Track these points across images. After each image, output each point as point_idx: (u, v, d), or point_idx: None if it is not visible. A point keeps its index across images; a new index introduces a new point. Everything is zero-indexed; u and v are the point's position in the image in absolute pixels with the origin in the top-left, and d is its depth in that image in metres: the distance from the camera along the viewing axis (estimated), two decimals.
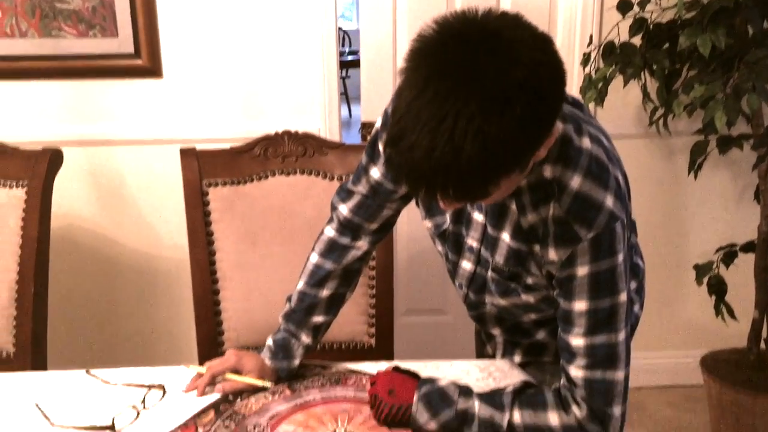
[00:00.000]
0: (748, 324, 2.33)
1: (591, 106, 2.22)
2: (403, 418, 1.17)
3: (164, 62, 2.35)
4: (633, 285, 1.32)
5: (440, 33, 0.91)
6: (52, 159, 1.80)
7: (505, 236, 1.17)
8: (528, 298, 1.21)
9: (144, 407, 1.25)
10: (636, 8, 2.11)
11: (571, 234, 1.06)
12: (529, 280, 1.18)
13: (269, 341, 1.36)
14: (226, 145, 1.82)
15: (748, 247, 2.29)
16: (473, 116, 0.86)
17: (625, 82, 2.13)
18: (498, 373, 1.36)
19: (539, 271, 1.15)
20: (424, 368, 1.27)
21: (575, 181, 1.05)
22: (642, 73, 2.13)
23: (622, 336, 1.09)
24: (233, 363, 1.32)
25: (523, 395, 1.15)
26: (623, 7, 2.12)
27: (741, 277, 2.34)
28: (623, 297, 1.08)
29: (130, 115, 2.39)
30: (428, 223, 1.33)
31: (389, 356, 1.80)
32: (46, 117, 2.37)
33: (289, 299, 1.38)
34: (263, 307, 1.78)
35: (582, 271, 1.06)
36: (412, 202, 1.36)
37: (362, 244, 1.36)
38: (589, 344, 1.09)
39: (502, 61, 0.87)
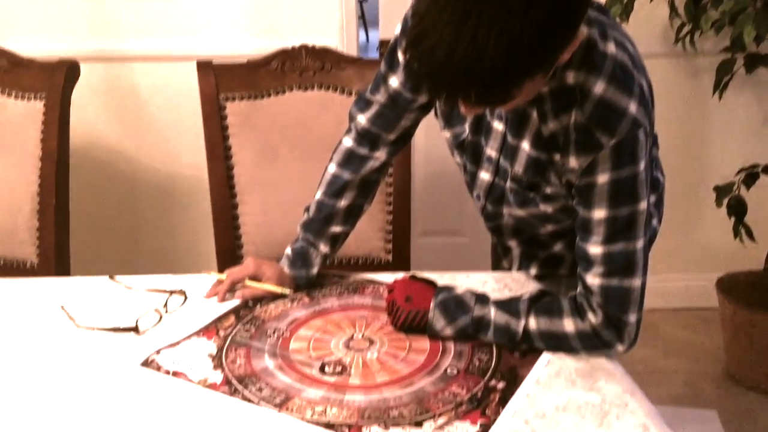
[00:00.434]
0: (765, 246, 2.32)
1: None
2: (419, 324, 1.19)
3: None
4: (652, 199, 1.31)
5: None
6: (69, 71, 1.79)
7: (525, 145, 1.16)
8: (546, 208, 1.20)
9: (166, 311, 1.28)
10: None
11: (593, 141, 1.04)
12: (548, 190, 1.18)
13: (288, 250, 1.37)
14: (243, 61, 1.80)
15: None
16: (497, 16, 0.84)
17: None
18: (514, 284, 1.37)
19: (558, 181, 1.15)
20: (441, 279, 1.28)
21: (599, 87, 1.04)
22: None
23: (640, 244, 1.09)
24: (253, 270, 1.34)
25: (539, 303, 1.16)
26: None
27: (762, 199, 2.32)
28: (643, 205, 1.08)
29: (146, 31, 2.36)
30: (447, 134, 1.31)
31: (406, 270, 1.81)
32: (61, 31, 2.35)
33: (307, 209, 1.38)
34: (281, 222, 1.79)
35: (602, 178, 1.06)
36: (431, 114, 1.35)
37: (380, 155, 1.35)
38: (607, 252, 1.09)
39: None
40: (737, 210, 2.25)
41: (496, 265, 1.55)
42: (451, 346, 1.17)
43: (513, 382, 1.08)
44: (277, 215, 1.81)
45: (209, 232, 1.84)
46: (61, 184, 1.79)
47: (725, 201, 2.27)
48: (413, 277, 1.25)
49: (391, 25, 2.46)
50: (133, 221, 2.57)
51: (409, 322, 1.19)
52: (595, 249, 1.10)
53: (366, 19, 6.92)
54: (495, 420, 0.99)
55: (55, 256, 1.78)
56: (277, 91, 1.81)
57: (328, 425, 0.98)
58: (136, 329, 1.21)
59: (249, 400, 1.03)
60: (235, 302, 1.32)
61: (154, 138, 2.48)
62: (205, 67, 1.79)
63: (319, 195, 1.37)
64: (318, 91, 1.81)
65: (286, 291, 1.32)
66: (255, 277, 1.34)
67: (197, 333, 1.22)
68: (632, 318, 1.11)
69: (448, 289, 1.21)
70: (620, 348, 1.13)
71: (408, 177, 1.82)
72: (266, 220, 1.82)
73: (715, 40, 2.26)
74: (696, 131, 2.55)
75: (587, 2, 0.95)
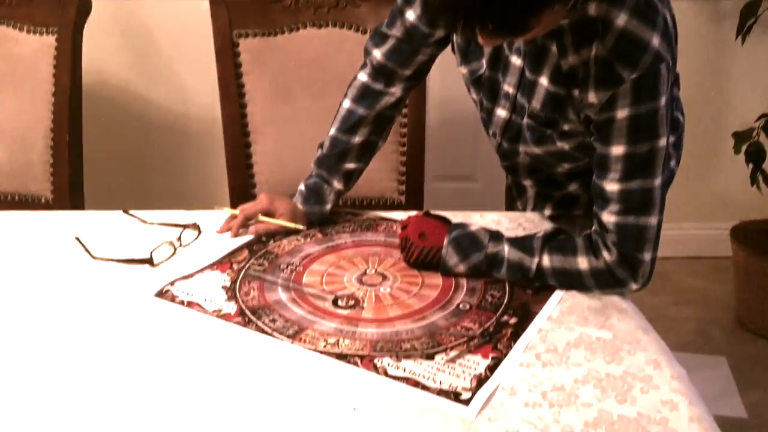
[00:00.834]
0: None
1: None
2: (432, 260, 1.19)
3: None
4: (671, 139, 1.28)
5: None
6: (81, 5, 1.76)
7: (544, 80, 1.14)
8: (563, 145, 1.19)
9: (180, 244, 1.28)
10: None
11: (614, 75, 1.02)
12: (566, 127, 1.16)
13: (301, 186, 1.37)
14: None
15: None
16: None
17: None
18: (528, 224, 1.37)
19: (576, 117, 1.13)
20: (454, 218, 1.27)
21: (621, 19, 1.01)
22: None
23: (658, 182, 1.08)
24: (266, 205, 1.34)
25: (554, 240, 1.15)
26: None
27: None
28: (662, 142, 1.06)
29: None
30: (463, 70, 1.29)
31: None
32: None
33: (321, 145, 1.37)
34: (295, 161, 1.78)
35: (622, 113, 1.04)
36: (446, 59, 1.32)
37: (395, 91, 1.33)
38: (624, 189, 1.08)
39: None
40: (755, 157, 2.22)
41: (510, 208, 1.54)
42: (463, 282, 1.17)
43: (525, 317, 1.08)
44: (290, 154, 1.80)
45: (222, 172, 1.84)
46: (74, 120, 1.78)
47: (743, 147, 2.24)
48: (427, 214, 1.25)
49: None
50: (146, 160, 2.57)
51: (422, 259, 1.19)
52: (612, 186, 1.08)
53: None
54: (506, 354, 0.99)
55: (69, 193, 1.79)
56: (291, 28, 1.78)
57: (340, 356, 0.98)
58: (150, 261, 1.22)
59: (262, 331, 1.04)
60: (248, 237, 1.32)
61: (166, 76, 2.46)
62: (218, 3, 1.76)
63: (333, 131, 1.36)
64: (332, 29, 1.78)
65: (300, 227, 1.32)
66: (268, 213, 1.34)
67: (211, 266, 1.22)
68: (647, 256, 1.10)
69: (461, 226, 1.20)
70: (634, 286, 1.12)
71: (422, 118, 1.80)
72: (279, 159, 1.82)
73: None
74: (717, 76, 2.51)
75: None
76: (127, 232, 1.35)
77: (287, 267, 1.22)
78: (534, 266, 1.14)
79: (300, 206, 1.35)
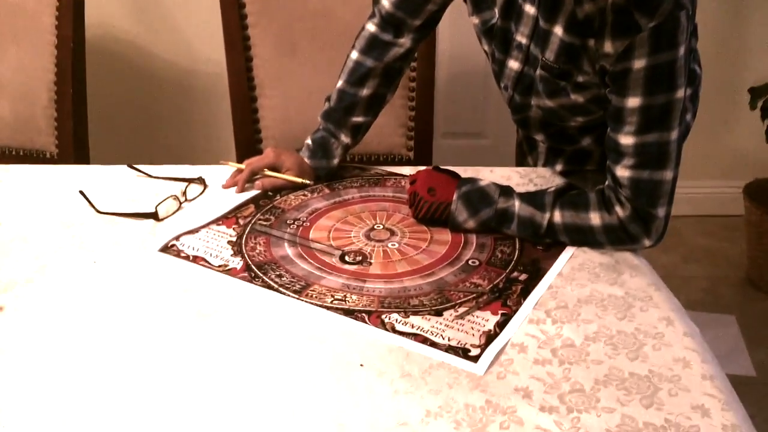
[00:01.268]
0: None
1: None
2: (441, 216, 1.16)
3: None
4: (688, 92, 1.25)
5: None
6: None
7: (558, 29, 1.10)
8: (577, 98, 1.16)
9: (185, 199, 1.26)
10: None
11: (631, 23, 0.98)
12: (580, 78, 1.12)
13: (308, 140, 1.34)
14: None
15: None
16: None
17: None
18: (539, 179, 1.34)
19: (591, 68, 1.09)
20: (464, 173, 1.25)
21: None
22: None
23: (674, 135, 1.05)
24: (272, 160, 1.31)
25: (565, 196, 1.13)
26: None
27: None
28: (680, 94, 1.03)
29: None
30: (475, 19, 1.25)
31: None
32: None
33: (328, 98, 1.34)
34: (301, 115, 1.75)
35: (639, 63, 1.00)
36: (456, 11, 1.28)
37: (405, 42, 1.29)
38: (639, 143, 1.05)
39: None
40: None
41: (521, 163, 1.51)
42: (473, 238, 1.15)
43: (535, 274, 1.06)
44: (297, 108, 1.77)
45: (228, 127, 1.82)
46: (77, 72, 1.75)
47: (759, 103, 2.19)
48: (436, 168, 1.22)
49: None
50: (151, 115, 2.54)
51: (431, 214, 1.17)
52: (626, 139, 1.05)
53: None
54: (516, 310, 0.98)
55: (73, 147, 1.77)
56: None
57: (347, 312, 0.97)
58: (155, 216, 1.20)
59: (269, 287, 1.03)
60: (254, 192, 1.30)
61: (171, 28, 2.41)
62: None
63: (340, 83, 1.32)
64: None
65: (306, 181, 1.30)
66: (274, 168, 1.32)
67: (216, 221, 1.20)
68: (661, 212, 1.08)
69: (471, 181, 1.18)
70: (647, 243, 1.10)
71: (432, 71, 1.76)
72: (286, 113, 1.79)
73: None
74: (733, 30, 2.44)
75: None
76: (132, 187, 1.33)
77: (294, 222, 1.20)
78: (545, 222, 1.11)
79: (307, 160, 1.32)
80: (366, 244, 1.14)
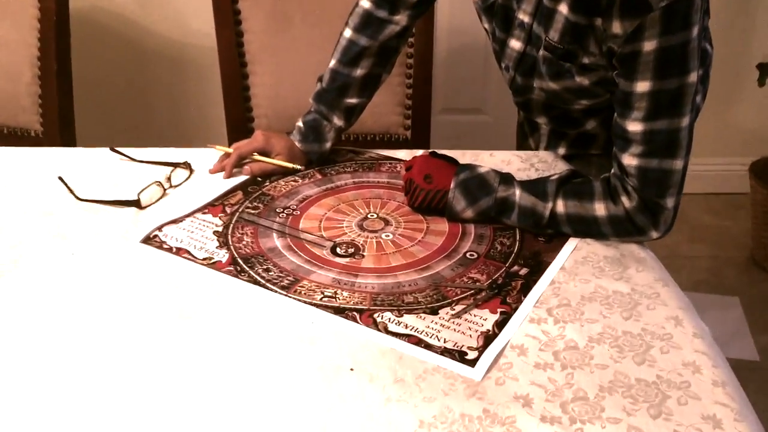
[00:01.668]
0: None
1: None
2: (438, 204, 1.11)
3: None
4: (699, 72, 1.19)
5: None
6: None
7: (563, 7, 1.03)
8: (582, 80, 1.09)
9: (170, 185, 1.20)
10: None
11: (641, 1, 0.92)
12: (586, 60, 1.06)
13: (299, 123, 1.28)
14: None
15: None
16: None
17: None
18: (541, 164, 1.28)
19: (598, 49, 1.03)
20: (463, 158, 1.19)
21: None
22: None
23: (685, 122, 0.99)
24: (261, 144, 1.25)
25: (569, 184, 1.07)
26: None
27: None
28: (692, 78, 0.97)
29: None
30: None
31: (425, 148, 1.72)
32: None
33: (320, 79, 1.28)
34: (294, 94, 1.69)
35: (649, 45, 0.94)
36: None
37: (400, 19, 1.23)
38: (648, 130, 0.99)
39: None
40: None
41: (522, 145, 1.45)
42: (471, 229, 1.10)
43: (537, 268, 1.01)
44: (289, 86, 1.71)
45: (219, 104, 1.75)
46: (61, 47, 1.69)
47: None
48: (433, 154, 1.16)
49: None
50: (140, 92, 2.46)
51: (428, 203, 1.11)
52: (635, 126, 0.99)
53: None
54: (516, 308, 0.92)
55: (59, 126, 1.71)
56: None
57: (338, 310, 0.92)
58: (137, 203, 1.14)
59: (255, 282, 0.97)
60: (242, 178, 1.24)
61: (160, 3, 2.33)
62: None
63: (333, 63, 1.26)
64: None
65: (297, 166, 1.24)
66: (264, 152, 1.26)
67: (202, 209, 1.15)
68: (670, 203, 1.02)
69: (470, 167, 1.12)
70: (654, 235, 1.04)
71: (430, 47, 1.69)
72: (278, 92, 1.72)
73: None
74: (741, 5, 2.36)
75: None
76: (115, 171, 1.27)
77: (283, 210, 1.14)
78: (547, 212, 1.06)
79: (298, 144, 1.26)
80: (359, 235, 1.08)
